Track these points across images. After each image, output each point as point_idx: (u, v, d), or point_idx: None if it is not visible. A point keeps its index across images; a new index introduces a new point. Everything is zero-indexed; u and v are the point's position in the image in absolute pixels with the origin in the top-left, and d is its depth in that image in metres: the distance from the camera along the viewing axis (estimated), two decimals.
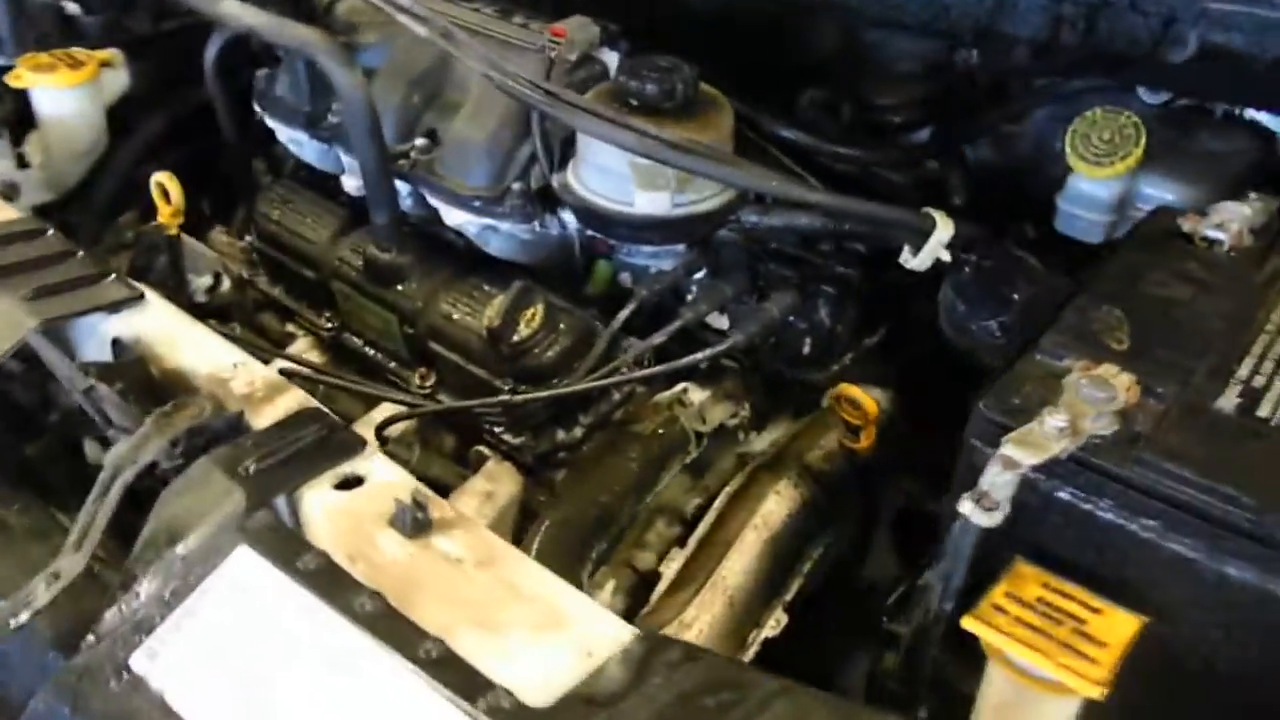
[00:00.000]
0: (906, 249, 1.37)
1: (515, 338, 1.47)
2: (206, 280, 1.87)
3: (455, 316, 1.57)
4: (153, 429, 1.11)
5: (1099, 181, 1.43)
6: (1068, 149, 1.44)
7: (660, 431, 1.50)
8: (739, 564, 1.49)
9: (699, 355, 1.40)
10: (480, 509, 1.53)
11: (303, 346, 1.81)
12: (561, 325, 1.51)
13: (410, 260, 1.62)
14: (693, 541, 1.47)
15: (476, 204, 1.52)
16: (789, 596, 1.56)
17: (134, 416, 1.16)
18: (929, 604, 1.00)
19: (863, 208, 1.33)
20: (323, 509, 1.04)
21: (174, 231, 1.66)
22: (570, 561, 1.37)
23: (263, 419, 1.15)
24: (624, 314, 1.45)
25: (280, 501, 1.04)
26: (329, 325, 1.76)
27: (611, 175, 1.39)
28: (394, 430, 1.52)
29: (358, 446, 1.11)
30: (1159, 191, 1.43)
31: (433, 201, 1.59)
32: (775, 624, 1.51)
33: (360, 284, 1.67)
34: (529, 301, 1.50)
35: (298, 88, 1.71)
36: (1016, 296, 1.51)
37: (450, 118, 1.59)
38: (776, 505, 1.55)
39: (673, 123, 1.36)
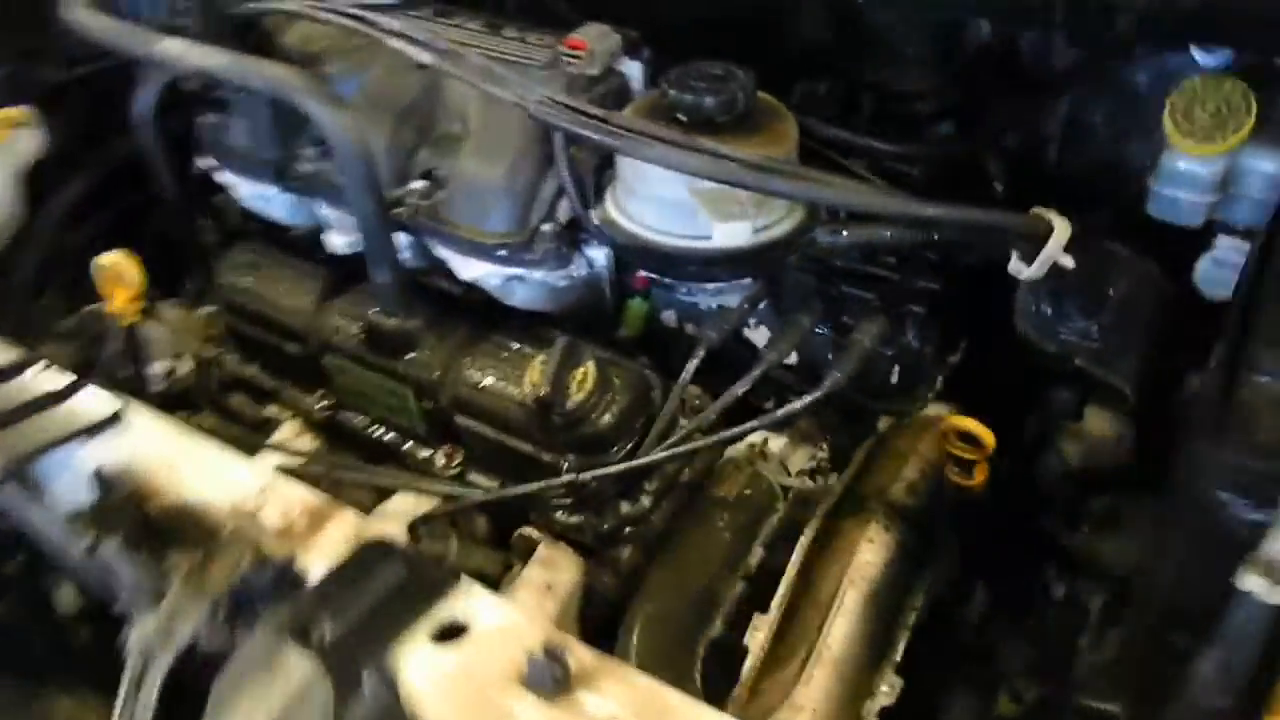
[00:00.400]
0: (1015, 257, 1.20)
1: (569, 405, 1.26)
2: (163, 365, 1.61)
3: (486, 384, 1.35)
4: (183, 594, 0.87)
5: (1202, 159, 1.28)
6: (1167, 125, 1.28)
7: (747, 492, 1.31)
8: (842, 629, 1.31)
9: (797, 405, 1.21)
10: (540, 604, 1.31)
11: (290, 432, 1.56)
12: (615, 382, 1.30)
13: (420, 323, 1.39)
14: (778, 605, 1.28)
15: (502, 253, 1.30)
16: (898, 656, 1.39)
17: (149, 575, 0.91)
18: (1195, 697, 0.83)
19: (969, 215, 1.16)
20: (430, 676, 0.82)
21: (133, 320, 1.39)
22: (679, 661, 1.18)
23: (317, 559, 0.92)
24: (693, 364, 1.25)
25: (373, 676, 0.81)
26: (322, 404, 1.51)
27: (671, 207, 1.19)
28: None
29: (448, 582, 0.89)
30: (1263, 163, 1.29)
31: (441, 254, 1.36)
32: (889, 690, 1.35)
33: (362, 355, 1.43)
34: (577, 360, 1.29)
35: (259, 134, 1.46)
36: (1111, 293, 1.37)
37: (451, 154, 1.37)
38: (871, 555, 1.37)
39: (737, 138, 1.16)
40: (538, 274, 1.31)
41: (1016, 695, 1.49)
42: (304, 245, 1.57)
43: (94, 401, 1.07)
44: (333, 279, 1.51)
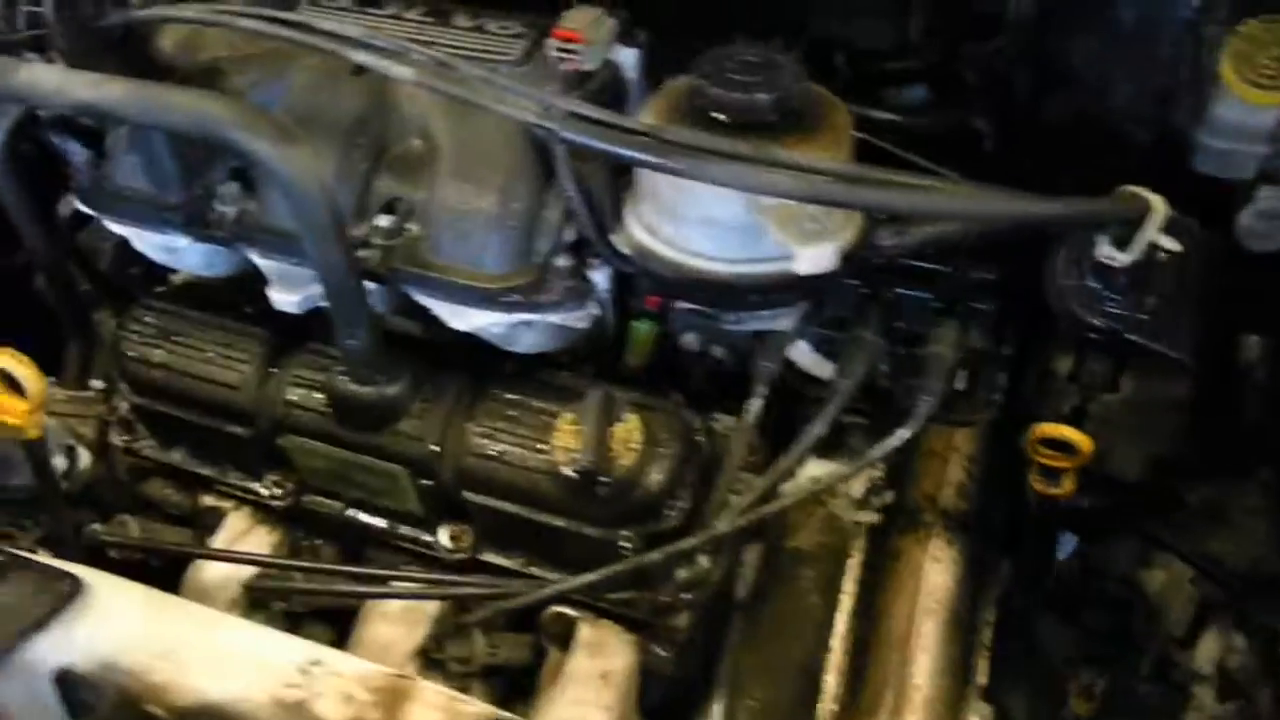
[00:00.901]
0: (1106, 242, 1.06)
1: (617, 472, 1.06)
2: (57, 461, 1.30)
3: (501, 452, 1.13)
4: None
5: (1260, 108, 1.17)
6: (1227, 72, 1.16)
7: (823, 540, 1.14)
8: (926, 666, 1.19)
9: (894, 442, 1.04)
10: (599, 698, 1.13)
11: (240, 525, 1.29)
12: (660, 433, 1.10)
13: (404, 387, 1.15)
14: (840, 639, 1.14)
15: (512, 298, 1.07)
16: (983, 680, 1.28)
17: None
18: None
19: (1078, 208, 1.01)
20: None
21: (35, 435, 1.09)
22: None
23: None
24: (758, 404, 1.06)
25: None
26: (279, 491, 1.25)
27: (728, 229, 0.98)
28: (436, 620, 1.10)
29: None
30: None
31: (425, 303, 1.12)
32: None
33: (332, 432, 1.18)
34: (614, 414, 1.08)
35: (159, 173, 1.16)
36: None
37: (417, 178, 1.11)
38: (940, 576, 1.25)
39: (795, 139, 0.96)
40: (554, 317, 1.09)
41: (1088, 692, 1.41)
42: (223, 299, 1.29)
43: (35, 576, 0.80)
44: (273, 341, 1.24)
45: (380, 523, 1.24)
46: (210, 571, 1.26)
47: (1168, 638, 1.41)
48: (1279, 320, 1.33)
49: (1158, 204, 1.05)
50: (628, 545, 1.10)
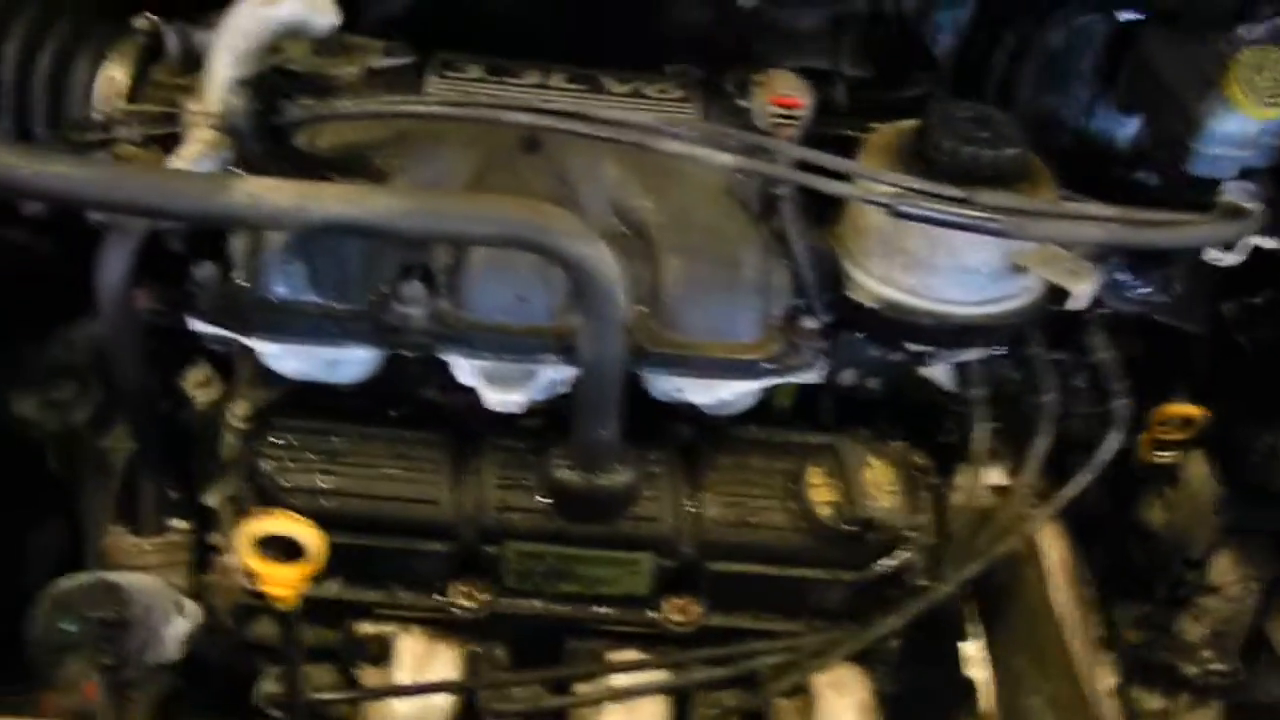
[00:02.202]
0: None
1: (882, 517, 1.10)
2: (179, 625, 1.12)
3: (745, 518, 1.13)
4: None
5: (1257, 120, 1.41)
6: (1236, 90, 1.38)
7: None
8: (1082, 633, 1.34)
9: (1106, 454, 1.15)
10: None
11: (419, 647, 1.17)
12: (900, 473, 1.15)
13: (635, 471, 1.11)
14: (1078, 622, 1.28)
15: (768, 366, 1.07)
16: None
17: None
18: None
19: (1211, 228, 1.17)
20: None
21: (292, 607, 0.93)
22: None
23: None
24: (1044, 445, 1.13)
25: None
26: (472, 601, 1.16)
27: (977, 276, 1.05)
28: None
29: None
30: None
31: (666, 384, 1.09)
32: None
33: (559, 531, 1.11)
34: (856, 460, 1.12)
35: (338, 282, 1.03)
36: None
37: (628, 258, 1.07)
38: (1059, 551, 1.40)
39: (1028, 190, 1.05)
40: (805, 377, 1.10)
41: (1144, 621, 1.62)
42: (354, 406, 1.16)
43: None
44: (453, 445, 1.14)
45: (598, 611, 1.18)
46: (404, 707, 1.14)
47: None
48: None
49: (1256, 208, 1.24)
50: (876, 583, 1.16)
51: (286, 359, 1.09)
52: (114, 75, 1.14)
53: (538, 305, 1.06)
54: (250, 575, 0.94)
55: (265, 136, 0.97)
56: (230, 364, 1.29)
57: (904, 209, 0.95)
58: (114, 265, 1.00)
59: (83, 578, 1.06)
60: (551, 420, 1.13)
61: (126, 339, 1.05)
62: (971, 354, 1.18)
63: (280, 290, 1.05)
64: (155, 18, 1.18)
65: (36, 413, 1.31)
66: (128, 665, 1.01)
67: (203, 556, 1.23)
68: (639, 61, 1.37)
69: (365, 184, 1.03)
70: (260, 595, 1.16)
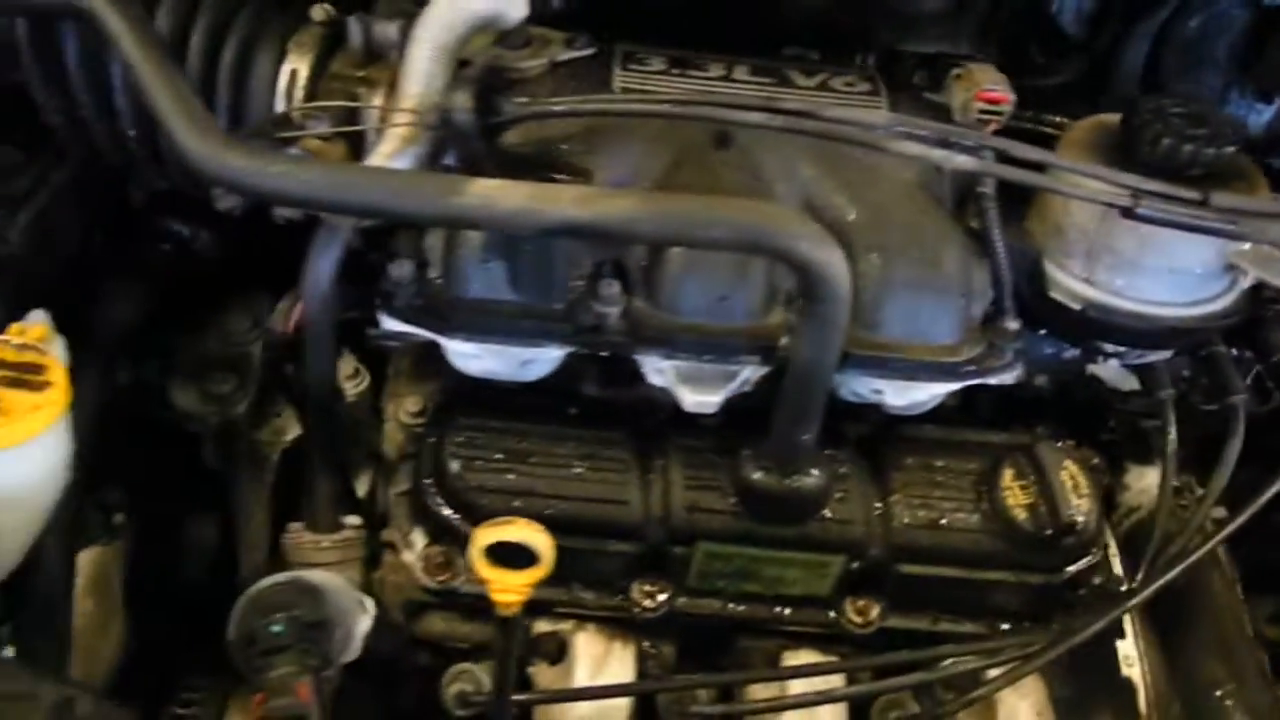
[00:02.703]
0: None
1: (1080, 517, 1.08)
2: (364, 624, 1.12)
3: (937, 519, 1.11)
4: None
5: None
6: None
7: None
8: None
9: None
10: None
11: (596, 647, 1.17)
12: (1089, 475, 1.14)
13: (827, 473, 1.09)
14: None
15: (970, 368, 1.05)
16: None
17: None
18: None
19: None
20: None
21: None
22: None
23: None
24: (1236, 447, 1.10)
25: None
26: (652, 600, 1.15)
27: (1191, 276, 1.03)
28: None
29: None
30: None
31: (862, 386, 1.07)
32: None
33: (750, 532, 1.10)
34: (1054, 462, 1.10)
35: (541, 282, 1.02)
36: None
37: None
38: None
39: (1245, 189, 1.03)
40: (1004, 378, 1.08)
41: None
42: (534, 405, 1.15)
43: None
44: (637, 444, 1.13)
45: (776, 611, 1.17)
46: (585, 707, 1.14)
47: None
48: None
49: None
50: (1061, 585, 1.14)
51: (479, 358, 1.08)
52: (295, 68, 1.12)
53: (737, 305, 1.04)
54: (481, 581, 0.93)
55: (486, 134, 0.95)
56: (376, 355, 1.30)
57: (1143, 212, 0.92)
58: (322, 262, 0.99)
59: (280, 578, 1.05)
60: (729, 417, 1.12)
61: (325, 334, 1.04)
62: (1164, 354, 1.16)
63: (478, 289, 1.04)
64: (332, 8, 1.16)
65: (197, 405, 1.30)
66: (330, 665, 1.01)
67: (374, 552, 1.23)
68: (759, 44, 1.36)
69: (577, 182, 1.02)
70: (433, 592, 1.17)
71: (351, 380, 1.29)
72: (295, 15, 1.15)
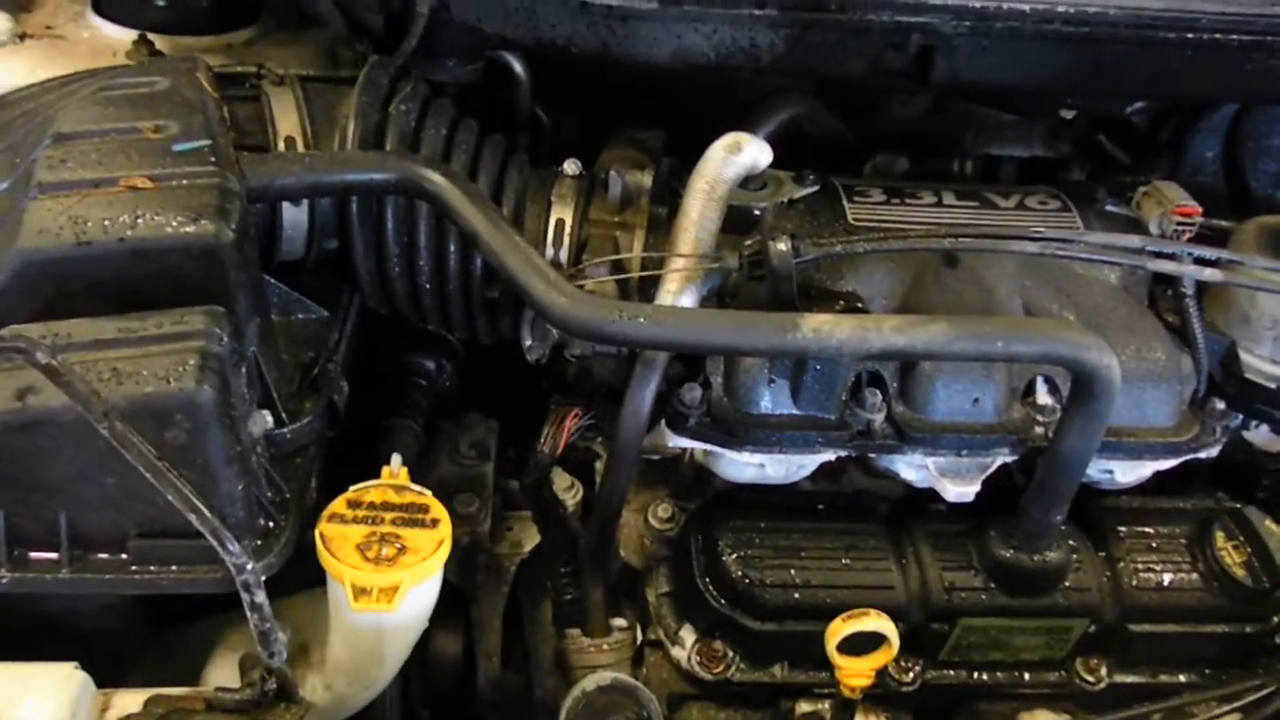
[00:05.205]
0: None
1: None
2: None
3: (1163, 581, 1.25)
4: None
5: None
6: None
7: None
8: None
9: None
10: None
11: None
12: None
13: (1066, 546, 1.23)
14: None
15: (1188, 445, 1.20)
16: None
17: None
18: None
19: None
20: None
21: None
22: None
23: None
24: None
25: None
26: (909, 675, 1.26)
27: None
28: None
29: None
30: None
31: (1099, 467, 1.22)
32: None
33: (1003, 606, 1.22)
34: (1259, 522, 1.25)
35: (822, 395, 1.15)
36: None
37: None
38: None
39: None
40: (1211, 452, 1.23)
41: None
42: (792, 502, 1.27)
43: None
44: (889, 533, 1.25)
45: (1014, 675, 1.29)
46: None
47: None
48: None
49: None
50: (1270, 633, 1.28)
51: (759, 466, 1.20)
52: (561, 218, 1.26)
53: (987, 404, 1.18)
54: (835, 668, 1.04)
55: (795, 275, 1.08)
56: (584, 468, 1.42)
57: None
58: (643, 393, 1.11)
59: (603, 680, 1.15)
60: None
61: (632, 456, 1.16)
62: None
63: (765, 405, 1.17)
64: (579, 163, 1.30)
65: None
66: None
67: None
68: (858, 150, 1.54)
69: (846, 303, 1.16)
70: (703, 684, 1.27)
71: (569, 491, 1.40)
72: (552, 171, 1.30)
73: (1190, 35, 1.14)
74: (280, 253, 1.18)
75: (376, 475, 1.06)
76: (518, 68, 1.37)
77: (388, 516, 0.98)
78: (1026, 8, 1.13)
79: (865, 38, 1.19)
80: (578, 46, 1.21)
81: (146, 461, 0.76)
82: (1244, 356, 1.25)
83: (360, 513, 0.98)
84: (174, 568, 0.91)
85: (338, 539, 0.94)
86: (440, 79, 1.35)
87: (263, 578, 0.88)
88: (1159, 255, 1.15)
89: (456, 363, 1.45)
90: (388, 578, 0.92)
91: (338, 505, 0.98)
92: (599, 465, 1.39)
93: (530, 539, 1.46)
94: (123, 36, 1.43)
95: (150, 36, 1.40)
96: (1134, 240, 1.10)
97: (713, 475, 1.27)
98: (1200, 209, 1.23)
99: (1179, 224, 1.22)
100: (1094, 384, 1.04)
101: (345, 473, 1.12)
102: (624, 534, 1.37)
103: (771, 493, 1.28)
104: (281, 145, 1.14)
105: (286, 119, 1.15)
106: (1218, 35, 1.14)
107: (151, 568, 0.90)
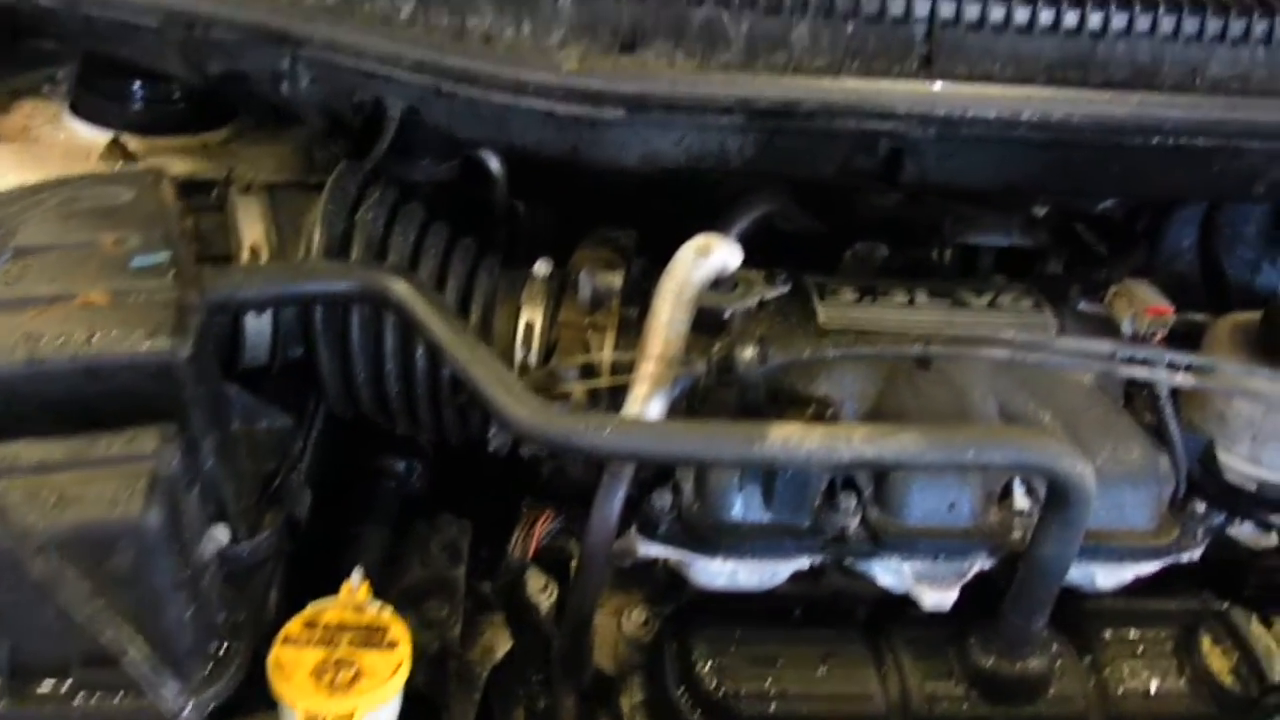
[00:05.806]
0: None
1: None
2: None
3: (1150, 690, 1.21)
4: None
5: None
6: None
7: None
8: None
9: None
10: None
11: None
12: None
13: (1048, 653, 1.20)
14: None
15: (1169, 550, 1.18)
16: None
17: None
18: None
19: None
20: None
21: None
22: None
23: None
24: None
25: None
26: None
27: None
28: None
29: None
30: None
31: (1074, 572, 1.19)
32: None
33: (984, 716, 1.19)
34: (1245, 626, 1.23)
35: (795, 501, 1.13)
36: None
37: None
38: None
39: None
40: (1193, 555, 1.21)
41: None
42: (765, 608, 1.25)
43: None
44: (865, 640, 1.22)
45: None
46: None
47: None
48: None
49: None
50: None
51: (730, 573, 1.18)
52: (530, 320, 1.25)
53: (964, 508, 1.16)
54: None
55: (762, 382, 1.07)
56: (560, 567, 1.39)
57: None
58: (610, 502, 1.09)
59: None
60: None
61: (602, 565, 1.13)
62: None
63: (736, 512, 1.15)
64: (551, 262, 1.30)
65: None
66: None
67: None
68: (833, 241, 1.54)
69: (815, 407, 1.15)
70: None
71: (544, 594, 1.37)
72: (522, 272, 1.29)
73: (1156, 140, 1.15)
74: (244, 360, 1.16)
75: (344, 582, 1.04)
76: (493, 165, 1.38)
77: (344, 638, 0.95)
78: (991, 114, 1.13)
79: (834, 142, 1.19)
80: (549, 151, 1.21)
81: (78, 600, 0.74)
82: (1222, 456, 1.23)
83: (317, 634, 0.95)
84: (119, 696, 0.88)
85: (290, 664, 0.91)
86: (414, 178, 1.35)
87: (210, 706, 0.85)
88: (1131, 361, 1.15)
89: (427, 463, 1.43)
90: (342, 705, 0.90)
91: (293, 627, 0.95)
92: (575, 564, 1.37)
93: (502, 644, 1.42)
94: (98, 138, 1.43)
95: (126, 137, 1.41)
96: (1105, 347, 1.09)
97: (687, 579, 1.25)
98: (1172, 309, 1.23)
99: (1150, 324, 1.22)
100: (1069, 492, 1.02)
101: (311, 579, 1.10)
102: (598, 639, 1.33)
103: (747, 598, 1.25)
104: (246, 255, 1.13)
105: (252, 228, 1.14)
106: (1183, 139, 1.15)
107: (95, 697, 0.87)
